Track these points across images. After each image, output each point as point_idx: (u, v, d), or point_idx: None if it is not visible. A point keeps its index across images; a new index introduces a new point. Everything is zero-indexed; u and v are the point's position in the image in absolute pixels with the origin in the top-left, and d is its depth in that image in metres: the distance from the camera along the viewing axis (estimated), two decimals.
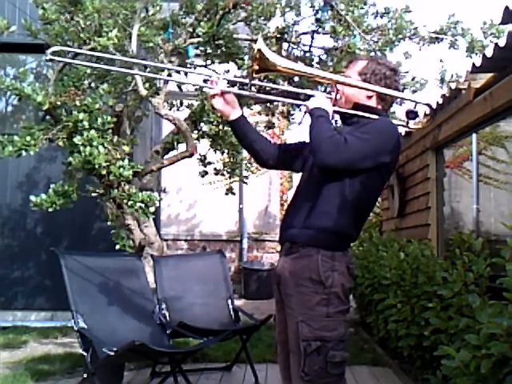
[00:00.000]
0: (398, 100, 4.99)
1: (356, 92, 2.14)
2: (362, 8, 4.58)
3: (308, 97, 2.17)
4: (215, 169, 5.49)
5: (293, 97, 2.69)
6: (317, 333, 1.94)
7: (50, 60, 2.21)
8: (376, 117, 2.09)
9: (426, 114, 5.36)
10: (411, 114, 2.14)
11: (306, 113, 2.17)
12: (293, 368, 2.01)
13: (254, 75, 2.10)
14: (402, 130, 6.38)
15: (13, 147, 3.70)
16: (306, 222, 2.04)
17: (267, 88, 4.83)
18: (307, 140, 2.10)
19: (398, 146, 2.11)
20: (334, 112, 2.16)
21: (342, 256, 2.02)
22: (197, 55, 4.85)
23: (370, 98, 2.14)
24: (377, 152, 2.00)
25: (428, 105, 2.17)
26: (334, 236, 2.01)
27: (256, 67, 2.06)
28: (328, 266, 1.98)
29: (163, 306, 3.92)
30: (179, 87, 5.17)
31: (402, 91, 4.94)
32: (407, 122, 2.19)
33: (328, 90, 4.03)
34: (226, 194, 5.76)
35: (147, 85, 4.31)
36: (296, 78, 4.70)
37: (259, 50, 2.04)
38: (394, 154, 2.07)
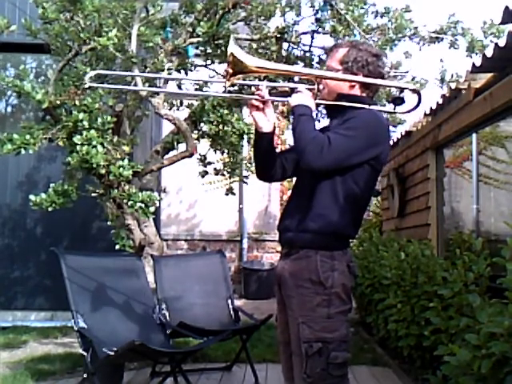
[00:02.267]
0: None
1: (338, 82, 2.08)
2: (362, 7, 4.58)
3: (292, 91, 2.11)
4: (215, 169, 5.49)
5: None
6: (318, 334, 1.92)
7: (89, 88, 2.16)
8: (363, 106, 2.04)
9: (425, 114, 5.36)
10: (398, 101, 2.08)
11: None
12: (295, 369, 2.00)
13: (230, 79, 2.02)
14: (401, 129, 6.40)
15: (12, 145, 3.70)
16: (301, 226, 2.01)
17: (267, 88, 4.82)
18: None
19: (387, 135, 2.07)
20: (318, 105, 2.11)
21: (341, 255, 2.00)
22: (197, 55, 4.85)
23: (352, 87, 2.08)
24: (364, 147, 1.95)
25: (415, 91, 2.08)
26: (331, 237, 1.99)
27: (230, 70, 1.99)
28: (327, 266, 1.96)
29: (163, 306, 3.92)
30: (179, 87, 5.17)
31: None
32: (394, 109, 2.12)
33: None
34: (227, 194, 5.75)
35: (147, 85, 4.31)
36: (296, 78, 4.70)
37: (232, 54, 1.97)
38: (383, 145, 2.02)
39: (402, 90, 2.14)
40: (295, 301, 2.00)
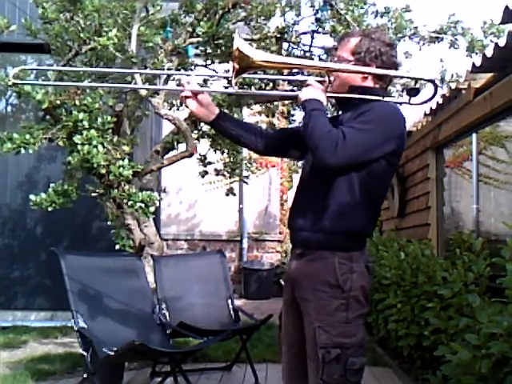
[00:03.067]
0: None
1: (350, 73, 1.98)
2: (362, 7, 4.57)
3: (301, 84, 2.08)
4: (216, 169, 5.49)
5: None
6: (336, 340, 1.83)
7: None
8: (376, 97, 1.94)
9: (425, 114, 5.36)
10: (412, 91, 1.99)
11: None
12: (310, 375, 1.90)
13: (237, 75, 1.95)
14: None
15: (12, 144, 3.69)
16: (317, 225, 1.90)
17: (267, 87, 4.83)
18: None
19: (404, 129, 1.97)
20: (329, 98, 2.03)
21: (359, 256, 1.91)
22: (196, 55, 4.85)
23: (365, 78, 1.97)
24: (381, 141, 1.85)
25: (431, 81, 2.00)
26: (349, 237, 1.89)
27: (237, 66, 1.91)
28: (346, 268, 1.86)
29: (163, 306, 3.92)
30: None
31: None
32: (409, 100, 2.02)
33: None
34: (227, 194, 5.77)
35: (147, 84, 4.30)
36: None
37: (237, 49, 1.89)
38: (400, 138, 1.91)
39: (416, 80, 2.10)
40: (312, 304, 1.90)
